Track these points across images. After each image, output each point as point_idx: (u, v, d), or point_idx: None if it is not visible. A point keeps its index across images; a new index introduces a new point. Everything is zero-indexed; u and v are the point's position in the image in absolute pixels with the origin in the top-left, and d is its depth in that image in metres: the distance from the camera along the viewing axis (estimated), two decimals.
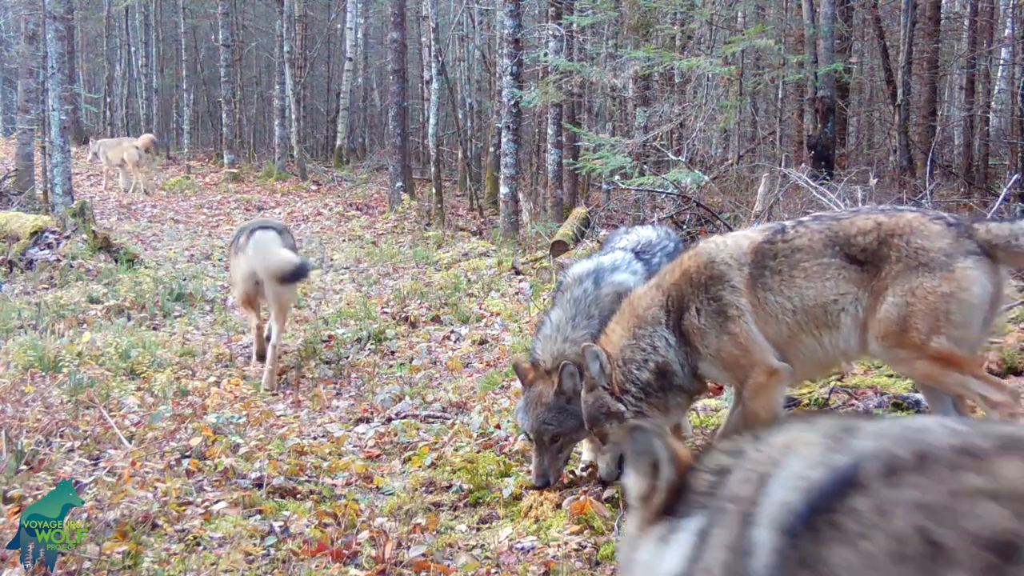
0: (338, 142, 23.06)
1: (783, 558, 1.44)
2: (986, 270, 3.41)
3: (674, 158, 10.72)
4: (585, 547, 3.45)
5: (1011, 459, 1.39)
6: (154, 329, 7.53)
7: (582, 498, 3.77)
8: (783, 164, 11.72)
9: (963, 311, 3.39)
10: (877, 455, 1.46)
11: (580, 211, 12.22)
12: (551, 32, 12.91)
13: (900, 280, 3.44)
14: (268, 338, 6.43)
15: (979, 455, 1.40)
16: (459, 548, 3.53)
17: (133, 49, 27.65)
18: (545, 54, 13.19)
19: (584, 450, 4.40)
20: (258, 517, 3.79)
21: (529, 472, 4.14)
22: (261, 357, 6.57)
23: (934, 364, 3.43)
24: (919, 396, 4.65)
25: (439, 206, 14.81)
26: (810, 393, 4.93)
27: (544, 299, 7.60)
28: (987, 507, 1.33)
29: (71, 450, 4.56)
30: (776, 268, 3.54)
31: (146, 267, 10.00)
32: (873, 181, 9.30)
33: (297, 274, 6.25)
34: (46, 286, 9.01)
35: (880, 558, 1.35)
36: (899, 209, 3.74)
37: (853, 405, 4.78)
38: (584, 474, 4.27)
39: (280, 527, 3.68)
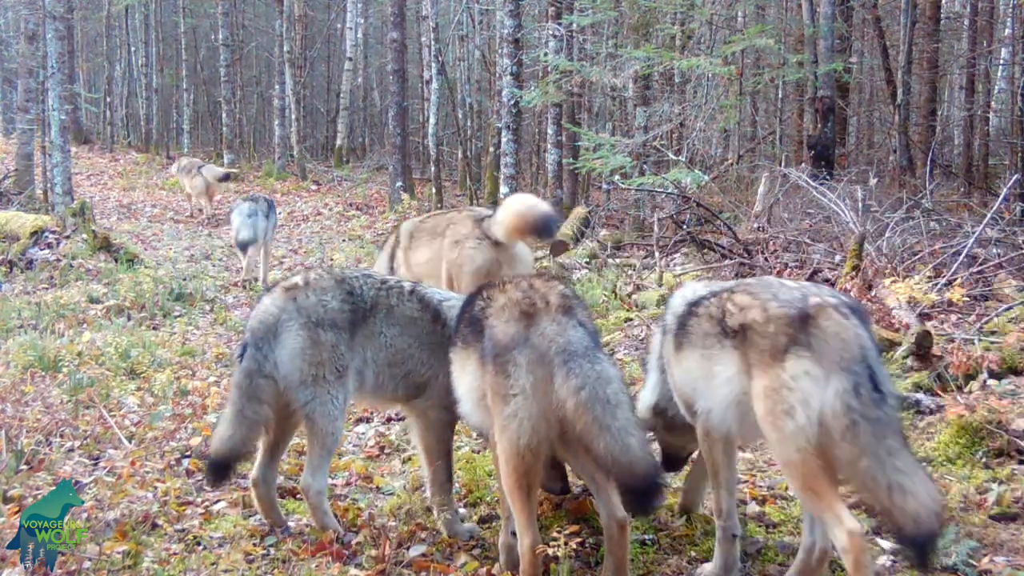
0: (338, 142, 23.06)
1: None
2: (483, 249, 5.86)
3: (674, 158, 10.73)
4: (585, 547, 3.45)
5: None
6: (154, 329, 7.53)
7: (582, 498, 3.77)
8: (783, 164, 11.73)
9: (463, 279, 5.73)
10: None
11: (580, 211, 12.22)
12: (551, 32, 12.91)
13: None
14: None
15: None
16: (459, 548, 3.52)
17: (133, 49, 27.64)
18: (545, 54, 13.19)
19: None
20: (258, 517, 3.79)
21: None
22: None
23: None
24: (920, 396, 4.65)
25: (439, 206, 14.81)
26: None
27: None
28: None
29: (71, 450, 4.56)
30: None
31: (146, 267, 9.99)
32: (873, 181, 9.30)
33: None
34: (46, 286, 9.01)
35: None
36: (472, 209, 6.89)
37: None
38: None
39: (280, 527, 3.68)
